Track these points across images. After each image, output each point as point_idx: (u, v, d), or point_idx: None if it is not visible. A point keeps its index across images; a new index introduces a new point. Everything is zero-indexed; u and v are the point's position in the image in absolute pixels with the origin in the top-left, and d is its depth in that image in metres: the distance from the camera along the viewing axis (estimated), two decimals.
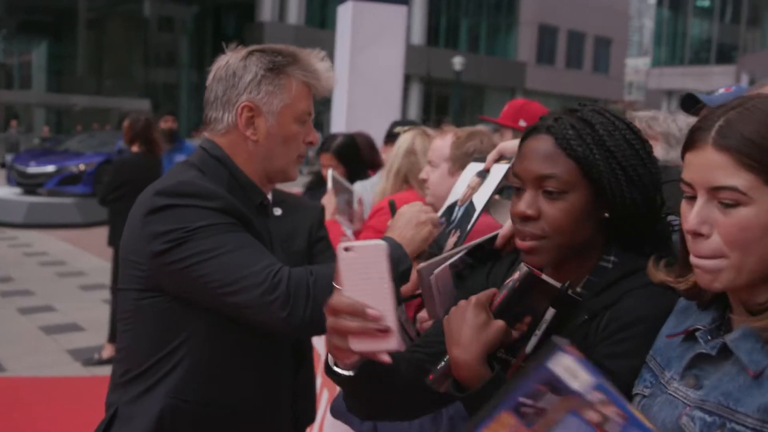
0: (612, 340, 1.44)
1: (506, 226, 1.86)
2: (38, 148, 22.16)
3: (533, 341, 1.45)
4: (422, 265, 1.91)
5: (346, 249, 1.28)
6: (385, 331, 1.28)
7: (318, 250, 2.27)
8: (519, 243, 1.55)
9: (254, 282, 1.74)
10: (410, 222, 1.93)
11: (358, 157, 4.64)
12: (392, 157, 3.54)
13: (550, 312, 1.44)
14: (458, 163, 2.89)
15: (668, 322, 1.43)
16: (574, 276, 1.55)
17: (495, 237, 1.87)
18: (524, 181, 1.53)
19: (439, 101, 41.88)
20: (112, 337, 6.45)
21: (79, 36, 38.88)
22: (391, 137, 4.57)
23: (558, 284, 1.42)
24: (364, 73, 6.47)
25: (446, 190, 2.90)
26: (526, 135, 1.58)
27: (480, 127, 3.17)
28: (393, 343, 1.29)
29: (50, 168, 16.68)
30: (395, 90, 6.55)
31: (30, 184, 16.30)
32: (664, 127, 2.46)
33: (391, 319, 1.28)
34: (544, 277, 1.41)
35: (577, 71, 48.20)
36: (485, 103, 44.20)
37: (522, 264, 1.45)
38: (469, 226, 2.07)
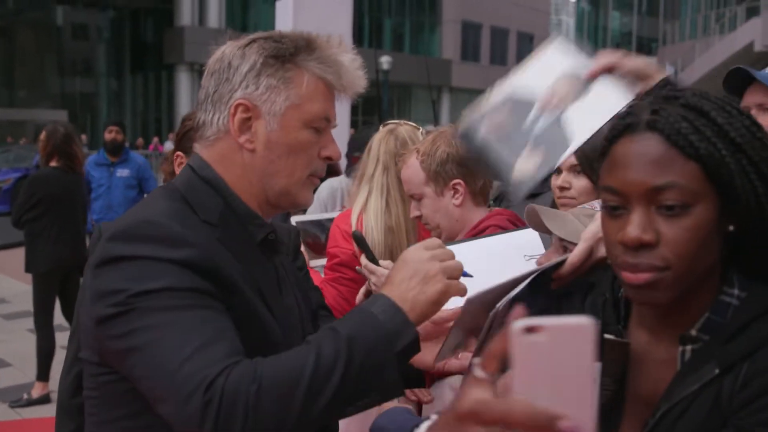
0: (760, 403, 1.11)
1: (577, 251, 1.47)
2: None
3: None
4: (470, 295, 1.45)
5: (529, 329, 0.82)
6: None
7: None
8: (630, 277, 1.18)
9: (179, 391, 1.22)
10: (416, 275, 1.37)
11: None
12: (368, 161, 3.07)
13: (597, 367, 1.15)
14: (440, 178, 2.50)
15: None
16: (689, 316, 1.21)
17: (560, 264, 1.47)
18: (627, 197, 1.18)
19: (366, 102, 41.67)
20: (42, 375, 5.87)
21: None
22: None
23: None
24: None
25: (447, 213, 2.52)
26: (614, 137, 1.23)
27: (439, 128, 2.76)
28: None
29: None
30: None
31: None
32: None
33: (588, 427, 0.83)
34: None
35: (502, 67, 48.71)
36: (413, 101, 44.25)
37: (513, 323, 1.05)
38: (565, 154, 1.59)
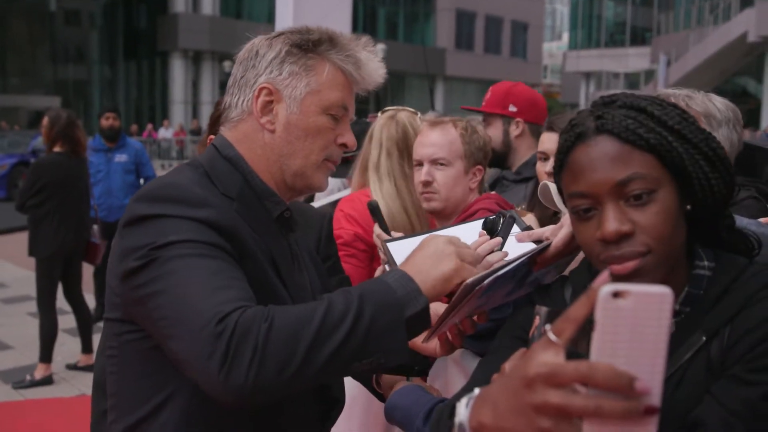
0: (753, 354, 1.22)
1: (560, 236, 1.58)
2: None
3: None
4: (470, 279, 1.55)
5: (616, 294, 0.88)
6: (649, 412, 0.88)
7: (324, 270, 1.89)
8: (619, 269, 1.28)
9: (193, 326, 1.27)
10: (432, 254, 1.45)
11: None
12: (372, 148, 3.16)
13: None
14: (472, 158, 2.62)
15: None
16: (674, 287, 1.30)
17: (546, 248, 1.59)
18: (596, 197, 1.29)
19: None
20: (45, 357, 5.95)
21: None
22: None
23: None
24: None
25: (462, 191, 2.61)
26: (568, 148, 1.33)
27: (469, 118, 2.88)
28: (652, 429, 0.89)
29: None
30: None
31: None
32: (703, 107, 2.19)
33: (658, 396, 0.89)
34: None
35: (496, 56, 48.70)
36: (407, 90, 44.20)
37: (537, 306, 1.25)
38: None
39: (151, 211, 1.42)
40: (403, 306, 1.36)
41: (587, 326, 1.22)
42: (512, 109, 3.56)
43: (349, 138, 1.65)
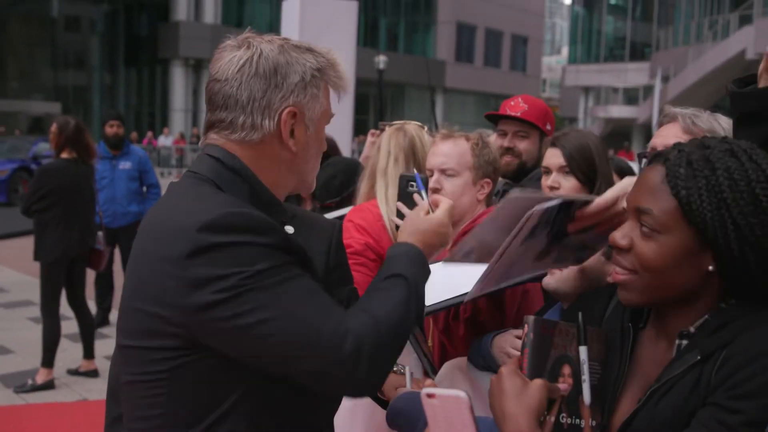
0: (732, 380, 1.30)
1: (605, 196, 1.65)
2: None
3: (586, 388, 1.42)
4: (516, 193, 1.64)
5: (429, 396, 1.26)
6: None
7: (334, 279, 1.93)
8: (614, 275, 1.47)
9: (328, 347, 1.44)
10: (434, 230, 1.78)
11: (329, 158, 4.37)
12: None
13: (583, 351, 1.42)
14: (481, 171, 2.68)
15: None
16: (685, 319, 1.44)
17: (589, 202, 1.66)
18: (628, 210, 1.46)
19: (360, 100, 41.76)
20: (47, 361, 5.97)
21: None
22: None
23: (571, 323, 1.43)
24: None
25: (469, 201, 2.67)
26: (649, 162, 1.48)
27: (481, 131, 2.92)
28: None
29: None
30: (349, 89, 6.27)
31: None
32: (708, 125, 2.24)
33: None
34: (551, 318, 1.37)
35: (496, 69, 48.87)
36: (406, 101, 44.31)
37: (526, 316, 1.43)
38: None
39: (222, 240, 1.44)
40: (421, 281, 1.67)
41: (576, 333, 1.38)
42: (548, 127, 3.55)
43: (324, 143, 1.78)
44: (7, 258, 11.12)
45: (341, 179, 4.21)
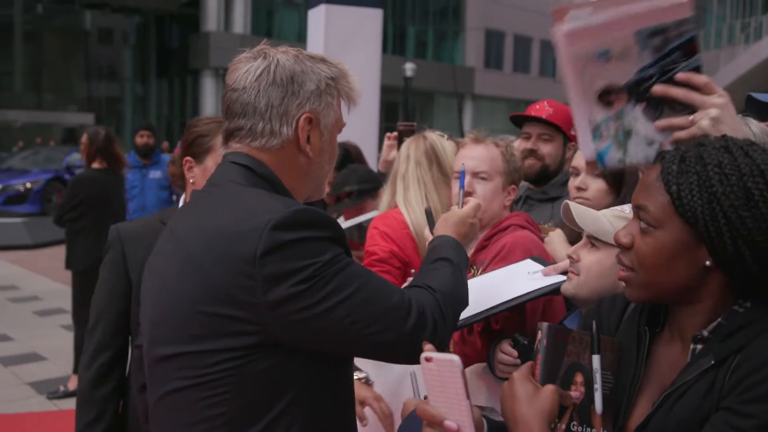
0: (745, 384, 1.30)
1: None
2: None
3: (598, 398, 1.43)
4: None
5: (427, 359, 1.32)
6: None
7: None
8: (618, 272, 1.50)
9: (400, 316, 1.61)
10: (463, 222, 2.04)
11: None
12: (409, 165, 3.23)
13: (596, 360, 1.43)
14: (510, 177, 2.70)
15: None
16: (699, 318, 1.44)
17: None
18: (633, 209, 1.50)
19: (389, 108, 41.88)
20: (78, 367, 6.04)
21: (16, 49, 37.83)
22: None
23: (585, 331, 1.43)
24: None
25: (497, 206, 2.69)
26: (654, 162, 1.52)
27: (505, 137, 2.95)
28: None
29: None
30: (373, 97, 6.29)
31: None
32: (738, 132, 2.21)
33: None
34: (570, 325, 1.39)
35: (525, 75, 48.69)
36: (435, 109, 44.32)
37: (539, 323, 1.44)
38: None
39: (293, 237, 1.52)
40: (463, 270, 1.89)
41: (589, 339, 1.39)
42: (573, 132, 3.48)
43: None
44: (42, 267, 11.31)
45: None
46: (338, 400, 1.71)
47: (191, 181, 2.52)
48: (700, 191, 1.35)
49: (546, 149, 3.49)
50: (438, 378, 1.31)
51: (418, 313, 1.63)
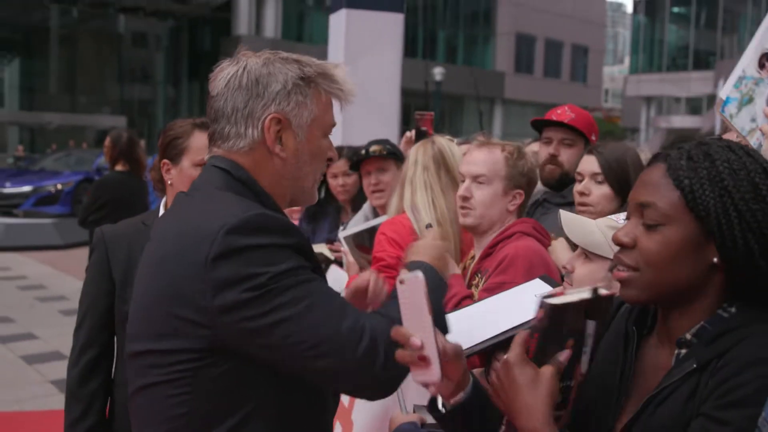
0: (722, 389, 1.30)
1: None
2: (13, 168, 21.74)
3: (585, 359, 1.41)
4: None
5: (401, 281, 1.37)
6: (423, 361, 1.35)
7: None
8: (615, 272, 1.46)
9: (350, 342, 1.51)
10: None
11: None
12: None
13: (591, 325, 1.39)
14: (513, 181, 2.66)
15: None
16: (687, 321, 1.42)
17: None
18: (630, 209, 1.47)
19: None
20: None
21: (52, 53, 38.49)
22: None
23: (586, 293, 1.35)
24: (359, 84, 6.13)
25: (499, 211, 2.67)
26: (649, 162, 1.50)
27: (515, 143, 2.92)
28: (433, 374, 1.35)
29: (26, 188, 16.32)
30: (393, 102, 6.28)
31: (5, 205, 15.91)
32: None
33: (430, 350, 1.34)
34: (569, 298, 1.34)
35: (556, 80, 48.45)
36: (464, 113, 44.21)
37: (541, 299, 1.36)
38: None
39: (248, 242, 1.50)
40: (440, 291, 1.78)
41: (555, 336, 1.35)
42: (593, 137, 3.50)
43: (333, 152, 1.81)
44: (71, 267, 11.47)
45: None
46: (309, 413, 1.67)
47: (169, 182, 2.56)
48: (711, 185, 1.35)
49: (566, 155, 3.45)
50: (409, 299, 1.36)
51: (371, 343, 1.51)
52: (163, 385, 1.58)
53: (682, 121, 44.35)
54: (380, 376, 1.52)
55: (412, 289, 1.35)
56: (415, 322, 1.36)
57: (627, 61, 65.73)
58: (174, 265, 1.55)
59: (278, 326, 1.48)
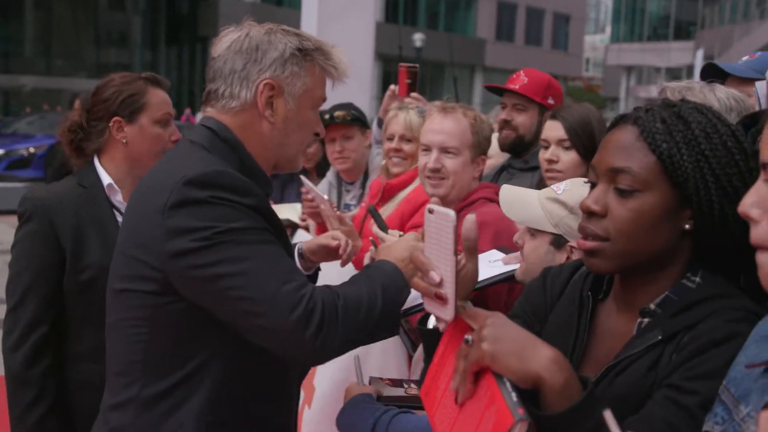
0: (692, 362, 1.27)
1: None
2: None
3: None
4: None
5: (430, 211, 1.32)
6: (441, 298, 1.30)
7: None
8: (580, 242, 1.40)
9: (287, 305, 1.56)
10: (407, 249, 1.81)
11: None
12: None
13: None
14: (479, 149, 2.65)
15: (747, 348, 1.21)
16: (650, 295, 1.40)
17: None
18: (598, 174, 1.39)
19: (395, 79, 41.58)
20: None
21: (27, 16, 37.79)
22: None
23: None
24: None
25: (467, 180, 2.65)
26: (612, 126, 1.44)
27: (470, 106, 2.89)
28: (447, 313, 1.30)
29: None
30: (366, 66, 6.25)
31: None
32: (700, 98, 2.14)
33: (448, 289, 1.29)
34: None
35: (537, 48, 48.34)
36: (446, 81, 44.04)
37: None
38: None
39: (203, 195, 1.60)
40: (400, 294, 1.74)
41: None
42: (550, 101, 3.50)
43: (321, 128, 1.91)
44: None
45: None
46: (267, 368, 1.73)
47: (124, 141, 2.49)
48: (689, 150, 1.32)
49: (520, 119, 3.50)
50: (435, 231, 1.32)
51: (308, 307, 1.56)
52: (124, 324, 1.72)
53: None
54: (309, 344, 1.56)
55: (438, 224, 1.31)
56: (437, 256, 1.33)
57: (608, 30, 65.71)
58: (140, 213, 1.68)
59: (221, 279, 1.56)
